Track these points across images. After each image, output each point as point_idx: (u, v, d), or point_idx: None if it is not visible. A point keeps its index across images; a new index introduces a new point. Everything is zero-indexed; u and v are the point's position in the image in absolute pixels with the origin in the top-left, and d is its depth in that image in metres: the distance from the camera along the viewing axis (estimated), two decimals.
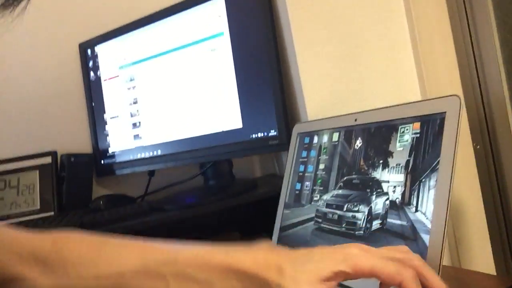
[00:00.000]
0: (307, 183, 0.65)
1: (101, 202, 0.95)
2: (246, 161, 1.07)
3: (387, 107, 0.55)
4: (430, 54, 0.69)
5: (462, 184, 0.69)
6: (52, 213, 0.96)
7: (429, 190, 0.46)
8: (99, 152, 1.02)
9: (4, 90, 1.03)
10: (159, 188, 1.00)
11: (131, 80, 0.97)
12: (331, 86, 0.74)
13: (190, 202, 0.88)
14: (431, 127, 0.48)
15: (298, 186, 0.66)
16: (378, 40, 0.73)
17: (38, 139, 1.03)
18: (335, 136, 0.62)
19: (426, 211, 0.45)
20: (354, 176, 0.57)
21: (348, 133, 0.60)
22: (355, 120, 0.59)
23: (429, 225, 0.44)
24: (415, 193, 0.47)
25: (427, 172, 0.47)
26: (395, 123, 0.53)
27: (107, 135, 1.01)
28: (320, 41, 0.75)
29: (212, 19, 0.85)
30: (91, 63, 1.02)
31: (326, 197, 0.60)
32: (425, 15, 0.70)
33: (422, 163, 0.48)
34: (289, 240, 0.65)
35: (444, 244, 0.42)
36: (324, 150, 0.63)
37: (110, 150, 1.01)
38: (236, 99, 0.83)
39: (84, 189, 1.01)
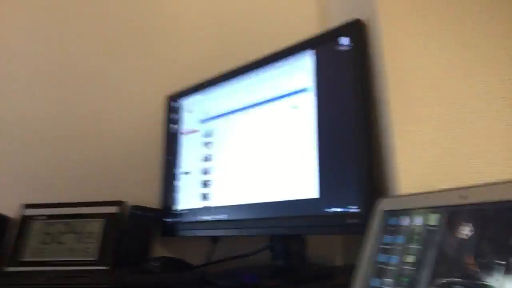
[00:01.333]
0: (389, 280, 0.47)
1: (157, 264, 0.85)
2: (326, 242, 0.90)
3: (509, 179, 0.37)
4: None
5: None
6: (108, 267, 0.89)
7: None
8: (165, 209, 0.95)
9: (90, 136, 1.04)
10: (220, 259, 0.87)
11: (208, 135, 0.90)
12: (433, 154, 0.57)
13: (247, 281, 0.73)
14: None
15: (376, 282, 0.49)
16: (490, 92, 0.55)
17: (109, 187, 1.00)
18: (433, 219, 0.44)
19: None
20: (456, 280, 0.38)
21: (453, 215, 0.42)
22: (464, 197, 0.41)
23: None
24: None
25: None
26: None
27: (177, 191, 0.94)
28: (421, 102, 0.59)
29: (298, 73, 0.76)
30: (174, 116, 0.99)
31: None
32: None
33: None
34: None
35: None
36: (416, 237, 0.45)
37: (177, 208, 0.93)
38: (315, 164, 0.69)
39: (144, 245, 0.93)
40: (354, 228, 0.63)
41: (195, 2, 1.08)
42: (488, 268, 0.35)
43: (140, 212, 0.93)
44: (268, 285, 0.71)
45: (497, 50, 0.56)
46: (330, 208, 0.67)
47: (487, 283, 0.35)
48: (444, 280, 0.39)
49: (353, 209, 0.63)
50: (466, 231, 0.39)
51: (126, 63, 1.08)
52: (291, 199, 0.72)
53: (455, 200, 0.42)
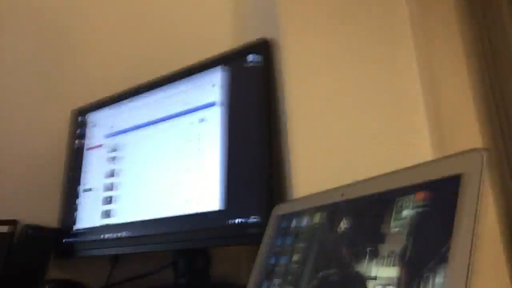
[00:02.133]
0: (277, 280, 0.47)
1: (50, 287, 0.79)
2: (232, 259, 0.89)
3: (381, 175, 0.40)
4: (446, 109, 0.55)
5: None
6: None
7: None
8: (64, 228, 0.89)
9: None
10: (121, 280, 0.83)
11: (113, 150, 0.87)
12: (325, 159, 0.60)
13: None
14: (440, 197, 0.32)
15: (265, 284, 0.49)
16: (381, 95, 0.61)
17: (4, 205, 0.92)
18: (317, 218, 0.46)
19: None
20: (332, 271, 0.39)
21: (333, 212, 0.44)
22: (342, 195, 0.44)
23: None
24: None
25: (431, 264, 0.30)
26: (391, 195, 0.37)
27: (77, 209, 0.89)
28: (318, 115, 0.63)
29: (207, 88, 0.77)
30: (79, 131, 0.95)
31: None
32: (439, 60, 0.58)
33: (425, 250, 0.31)
34: None
35: None
36: (302, 236, 0.47)
37: (76, 227, 0.87)
38: (219, 176, 0.70)
39: (38, 267, 0.85)
40: (254, 238, 0.64)
41: (106, 17, 1.07)
42: (360, 256, 0.37)
43: (34, 232, 0.86)
44: None
45: (382, 67, 0.62)
46: (233, 220, 0.67)
47: (356, 271, 0.36)
48: (323, 273, 0.40)
49: (254, 219, 0.64)
50: (343, 225, 0.41)
51: (31, 78, 1.02)
52: (195, 212, 0.71)
53: (335, 198, 0.44)
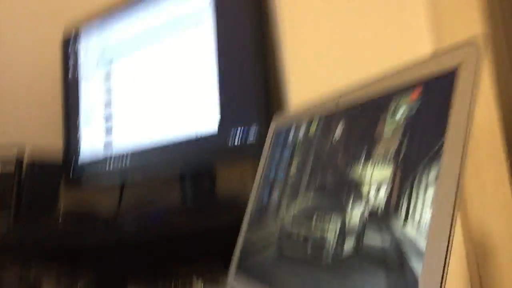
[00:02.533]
0: (276, 192, 0.48)
1: (62, 216, 0.82)
2: (237, 178, 0.90)
3: (375, 79, 0.38)
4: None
5: (490, 207, 0.49)
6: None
7: (426, 190, 0.28)
8: (69, 159, 0.90)
9: None
10: (129, 207, 0.85)
11: (107, 79, 0.85)
12: (320, 64, 0.58)
13: (156, 219, 0.72)
14: (434, 94, 0.31)
15: (266, 198, 0.49)
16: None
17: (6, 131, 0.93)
18: (313, 128, 0.45)
19: (419, 223, 0.27)
20: (327, 180, 0.39)
21: (328, 121, 0.43)
22: (337, 103, 0.42)
23: (423, 246, 0.26)
24: (405, 197, 0.29)
25: (424, 162, 0.29)
26: (385, 98, 0.36)
27: (79, 140, 0.89)
28: (310, 26, 0.60)
29: None
30: (72, 61, 0.92)
31: (293, 211, 0.43)
32: None
33: (419, 149, 0.30)
34: (249, 269, 0.48)
35: (444, 276, 0.24)
36: (299, 148, 0.46)
37: (80, 158, 0.88)
38: (214, 89, 0.68)
39: (49, 195, 0.88)
40: (255, 154, 0.64)
41: None
42: (352, 161, 0.36)
43: (40, 161, 0.87)
44: (178, 221, 0.70)
45: None
46: (234, 136, 0.66)
47: (353, 175, 0.36)
48: (319, 182, 0.40)
49: (254, 127, 0.64)
50: (339, 133, 0.40)
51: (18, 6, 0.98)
52: (195, 132, 0.71)
53: (330, 107, 0.43)
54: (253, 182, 0.91)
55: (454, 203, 0.25)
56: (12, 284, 0.70)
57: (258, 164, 0.54)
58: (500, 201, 0.49)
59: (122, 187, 0.85)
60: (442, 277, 0.24)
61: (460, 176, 0.26)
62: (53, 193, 0.88)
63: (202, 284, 0.63)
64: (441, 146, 0.28)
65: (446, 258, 0.24)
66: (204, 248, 0.84)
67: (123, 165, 0.81)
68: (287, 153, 0.48)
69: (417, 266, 0.26)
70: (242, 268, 0.49)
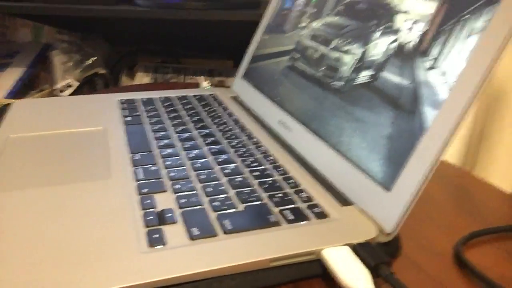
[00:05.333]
0: (300, 1, 0.44)
1: None
2: None
3: None
4: None
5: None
6: None
7: (467, 37, 0.25)
8: None
9: None
10: None
11: None
12: None
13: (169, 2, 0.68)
14: None
15: (289, 3, 0.46)
16: None
17: None
18: None
19: (447, 70, 0.26)
20: None
21: None
22: None
23: (446, 94, 0.25)
24: (442, 39, 0.27)
25: (474, 8, 0.25)
26: None
27: None
28: None
29: None
30: None
31: (316, 24, 0.40)
32: None
33: None
34: (257, 75, 0.48)
35: (457, 128, 0.24)
36: None
37: None
38: None
39: None
40: None
41: None
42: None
43: None
44: (192, 5, 0.67)
45: None
46: None
47: (388, 1, 0.32)
48: (348, 0, 0.37)
49: None
50: None
51: None
52: None
53: None
54: None
55: (493, 62, 0.23)
56: None
57: None
58: None
59: None
60: (455, 129, 0.24)
61: (510, 35, 0.23)
62: None
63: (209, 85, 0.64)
64: None
65: (465, 111, 0.24)
66: (217, 42, 0.83)
67: None
68: None
69: (429, 112, 0.26)
70: (249, 75, 0.50)
